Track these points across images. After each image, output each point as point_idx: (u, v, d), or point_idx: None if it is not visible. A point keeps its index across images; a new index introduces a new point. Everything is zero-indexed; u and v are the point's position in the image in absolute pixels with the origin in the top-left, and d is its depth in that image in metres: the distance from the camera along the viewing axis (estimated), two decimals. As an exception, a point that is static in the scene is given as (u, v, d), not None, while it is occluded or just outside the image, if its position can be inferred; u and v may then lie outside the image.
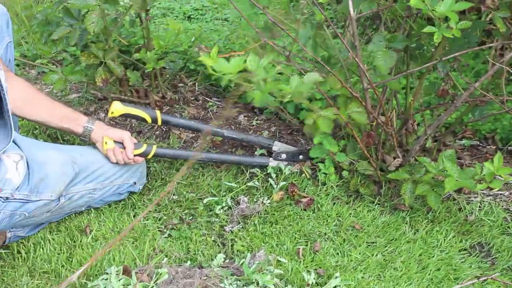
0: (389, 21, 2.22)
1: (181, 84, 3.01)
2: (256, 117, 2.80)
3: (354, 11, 1.95)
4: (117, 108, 2.31)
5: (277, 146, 2.44)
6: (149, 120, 2.35)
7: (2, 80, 1.89)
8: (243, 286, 1.91)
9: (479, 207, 2.22)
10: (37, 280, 2.03)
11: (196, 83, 3.01)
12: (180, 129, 2.68)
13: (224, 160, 2.43)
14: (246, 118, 2.79)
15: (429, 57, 2.13)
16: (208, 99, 2.95)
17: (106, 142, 2.21)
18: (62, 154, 2.13)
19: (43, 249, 2.13)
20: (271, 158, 2.41)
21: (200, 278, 1.94)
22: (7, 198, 1.93)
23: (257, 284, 1.89)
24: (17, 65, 3.12)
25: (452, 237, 2.13)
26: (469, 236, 2.14)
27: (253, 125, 2.75)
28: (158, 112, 2.35)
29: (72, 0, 2.47)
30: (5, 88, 1.91)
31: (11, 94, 2.00)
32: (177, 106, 2.85)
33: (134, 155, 2.24)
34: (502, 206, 2.25)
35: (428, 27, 1.83)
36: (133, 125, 2.75)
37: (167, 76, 2.95)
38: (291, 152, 2.43)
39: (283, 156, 2.41)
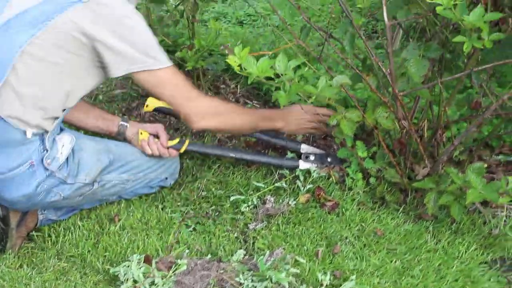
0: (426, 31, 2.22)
1: (223, 86, 3.07)
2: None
3: (389, 18, 1.97)
4: (152, 102, 2.39)
5: (304, 148, 2.47)
6: None
7: None
8: (257, 281, 1.94)
9: (505, 221, 2.18)
10: (63, 263, 2.12)
11: (238, 86, 3.07)
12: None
13: (255, 160, 2.47)
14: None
15: (463, 68, 2.12)
16: (249, 101, 3.00)
17: (141, 133, 2.29)
18: (98, 143, 2.25)
19: (72, 234, 2.22)
20: (300, 160, 2.43)
21: (217, 271, 1.98)
22: (51, 173, 2.08)
23: (271, 280, 1.92)
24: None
25: (473, 250, 2.11)
26: (491, 250, 2.11)
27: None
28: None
29: None
30: None
31: None
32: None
33: (168, 147, 2.31)
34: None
35: (458, 37, 1.82)
36: (172, 122, 2.81)
37: (209, 77, 3.02)
38: (318, 154, 2.46)
39: (311, 157, 2.43)
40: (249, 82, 1.89)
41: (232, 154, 2.44)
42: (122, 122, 2.36)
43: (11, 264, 2.12)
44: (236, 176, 2.47)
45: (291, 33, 2.20)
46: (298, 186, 2.37)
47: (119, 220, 2.28)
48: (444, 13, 1.76)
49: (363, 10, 2.08)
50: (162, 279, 1.95)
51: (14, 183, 2.05)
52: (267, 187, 2.38)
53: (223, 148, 2.59)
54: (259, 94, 3.04)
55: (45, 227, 2.26)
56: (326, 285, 1.95)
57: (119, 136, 2.36)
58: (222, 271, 1.98)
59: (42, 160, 2.04)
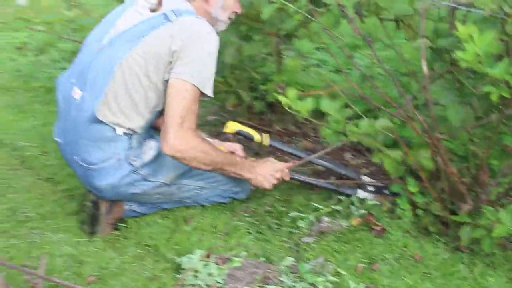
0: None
1: (304, 121, 3.40)
2: (361, 156, 3.11)
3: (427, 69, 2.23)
4: (232, 126, 2.76)
5: (364, 179, 2.74)
6: (257, 139, 2.76)
7: None
8: (297, 282, 2.22)
9: (538, 260, 2.35)
10: (140, 250, 2.49)
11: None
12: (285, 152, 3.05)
13: (318, 185, 2.77)
14: (351, 156, 3.11)
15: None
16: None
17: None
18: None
19: (151, 228, 2.60)
20: (359, 189, 2.71)
21: (265, 270, 2.28)
22: (134, 168, 2.49)
23: (309, 283, 2.20)
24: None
25: (504, 282, 2.28)
26: (521, 283, 2.28)
27: (357, 163, 3.06)
28: (265, 135, 2.76)
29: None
30: None
31: None
32: (295, 138, 3.24)
33: None
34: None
35: (487, 87, 2.01)
36: (248, 145, 3.16)
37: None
38: (376, 186, 2.72)
39: (369, 188, 2.70)
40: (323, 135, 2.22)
41: (298, 178, 2.75)
42: (207, 138, 2.74)
43: (98, 246, 2.51)
44: (298, 197, 2.78)
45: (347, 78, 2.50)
46: (352, 210, 2.64)
47: (192, 221, 2.64)
48: (473, 66, 1.98)
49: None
50: (217, 270, 2.28)
51: (103, 173, 2.47)
52: (324, 209, 2.67)
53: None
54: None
55: (130, 219, 2.66)
56: (360, 295, 2.20)
57: None
58: (269, 271, 2.28)
59: (127, 156, 2.46)
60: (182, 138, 2.36)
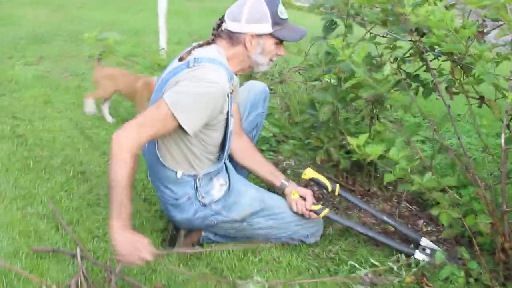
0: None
1: (390, 187, 3.58)
2: (434, 224, 3.25)
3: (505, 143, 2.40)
4: (309, 172, 3.02)
5: (424, 242, 2.88)
6: (329, 188, 3.00)
7: (230, 124, 2.74)
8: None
9: None
10: (207, 270, 2.76)
11: (405, 191, 3.56)
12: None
13: (378, 239, 2.94)
14: (425, 224, 3.25)
15: None
16: (408, 204, 3.47)
17: (293, 193, 2.91)
18: (257, 192, 2.92)
19: (221, 254, 2.88)
20: (417, 250, 2.85)
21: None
22: (204, 205, 2.79)
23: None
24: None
25: None
26: None
27: (426, 230, 3.20)
28: (337, 185, 3.00)
29: (316, 94, 3.32)
30: (230, 131, 2.76)
31: (238, 145, 2.96)
32: (375, 200, 3.43)
33: (310, 210, 2.90)
34: None
35: None
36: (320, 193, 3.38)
37: (378, 175, 3.55)
38: (434, 249, 2.84)
39: (427, 251, 2.83)
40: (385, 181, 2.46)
41: (360, 230, 2.94)
42: (284, 181, 3.00)
43: (173, 261, 2.81)
44: (363, 250, 2.95)
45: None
46: (407, 269, 2.78)
47: (260, 255, 2.89)
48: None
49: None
50: (269, 297, 2.51)
51: (179, 209, 2.81)
52: (382, 265, 2.83)
53: (355, 223, 3.07)
54: (421, 202, 3.49)
55: (206, 243, 2.95)
56: None
57: (279, 191, 3.00)
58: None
59: (197, 195, 2.78)
60: (127, 135, 2.40)
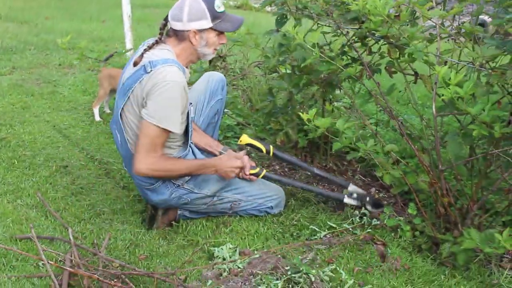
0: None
1: (345, 163, 3.96)
2: (385, 191, 3.63)
3: (436, 111, 2.78)
4: (244, 139, 3.42)
5: (351, 187, 3.32)
6: (264, 150, 3.42)
7: (191, 112, 3.10)
8: (294, 272, 2.75)
9: (505, 276, 2.76)
10: (184, 242, 3.10)
11: (360, 167, 3.94)
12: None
13: (312, 190, 3.42)
14: (377, 191, 3.64)
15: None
16: (362, 177, 3.85)
17: None
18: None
19: (196, 227, 3.23)
20: (345, 196, 3.28)
21: (277, 261, 2.82)
22: (178, 185, 3.13)
23: (306, 273, 2.72)
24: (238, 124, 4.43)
25: (473, 291, 2.72)
26: (487, 295, 2.71)
27: (378, 197, 3.58)
28: (271, 147, 3.41)
29: (273, 82, 3.67)
30: (191, 118, 3.12)
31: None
32: (332, 174, 3.80)
33: (250, 174, 3.27)
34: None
35: (471, 125, 2.56)
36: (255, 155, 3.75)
37: (334, 152, 3.93)
38: (360, 194, 3.28)
39: (354, 195, 3.28)
40: (333, 149, 2.82)
41: (297, 185, 3.41)
42: (221, 150, 3.40)
43: (153, 236, 3.14)
44: (322, 216, 3.32)
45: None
46: (361, 229, 3.16)
47: (230, 226, 3.24)
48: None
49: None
50: (240, 259, 2.85)
51: (155, 192, 3.15)
52: (338, 228, 3.21)
53: (291, 180, 3.52)
54: (374, 176, 3.87)
55: (182, 220, 3.29)
56: (348, 286, 2.70)
57: None
58: (280, 263, 2.82)
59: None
60: (146, 165, 2.96)
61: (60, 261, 2.78)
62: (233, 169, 3.16)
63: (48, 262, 2.57)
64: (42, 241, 2.99)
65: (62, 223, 3.16)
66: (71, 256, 2.76)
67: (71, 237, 2.85)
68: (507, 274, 2.79)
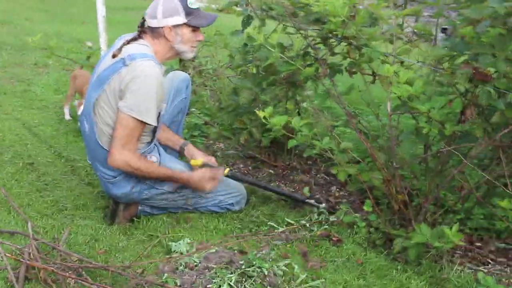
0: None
1: (309, 162, 4.02)
2: (344, 190, 3.71)
3: (391, 110, 2.84)
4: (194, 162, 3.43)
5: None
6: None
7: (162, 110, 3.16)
8: (253, 266, 2.79)
9: (455, 271, 2.83)
10: (144, 237, 3.13)
11: (324, 166, 4.00)
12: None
13: (273, 190, 3.53)
14: (337, 190, 3.71)
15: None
16: (325, 175, 3.92)
17: (192, 162, 3.38)
18: (183, 167, 3.32)
19: (157, 222, 3.27)
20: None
21: (232, 256, 2.87)
22: (139, 180, 3.18)
23: (259, 267, 2.76)
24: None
25: (422, 285, 2.76)
26: (435, 287, 2.76)
27: (339, 194, 3.66)
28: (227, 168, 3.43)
29: (237, 81, 3.73)
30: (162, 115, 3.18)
31: None
32: (295, 172, 3.86)
33: None
34: (473, 275, 2.84)
35: (422, 123, 2.65)
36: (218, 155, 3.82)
37: (297, 151, 3.99)
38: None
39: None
40: (289, 146, 2.89)
41: (261, 184, 3.53)
42: (182, 146, 3.48)
43: (113, 231, 3.18)
44: (280, 213, 3.38)
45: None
46: (318, 226, 3.23)
47: (190, 221, 3.28)
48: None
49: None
50: (197, 254, 2.89)
51: (117, 185, 3.20)
52: (296, 224, 3.27)
53: (254, 180, 3.62)
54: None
55: (143, 216, 3.33)
56: (301, 280, 2.75)
57: (180, 153, 3.49)
58: (235, 257, 2.87)
59: None
60: (121, 158, 3.03)
61: (19, 254, 2.81)
62: (205, 188, 3.28)
63: (5, 255, 2.60)
64: (3, 235, 3.01)
65: (24, 218, 3.18)
66: (29, 250, 2.79)
67: (30, 231, 2.88)
68: (456, 269, 2.86)
